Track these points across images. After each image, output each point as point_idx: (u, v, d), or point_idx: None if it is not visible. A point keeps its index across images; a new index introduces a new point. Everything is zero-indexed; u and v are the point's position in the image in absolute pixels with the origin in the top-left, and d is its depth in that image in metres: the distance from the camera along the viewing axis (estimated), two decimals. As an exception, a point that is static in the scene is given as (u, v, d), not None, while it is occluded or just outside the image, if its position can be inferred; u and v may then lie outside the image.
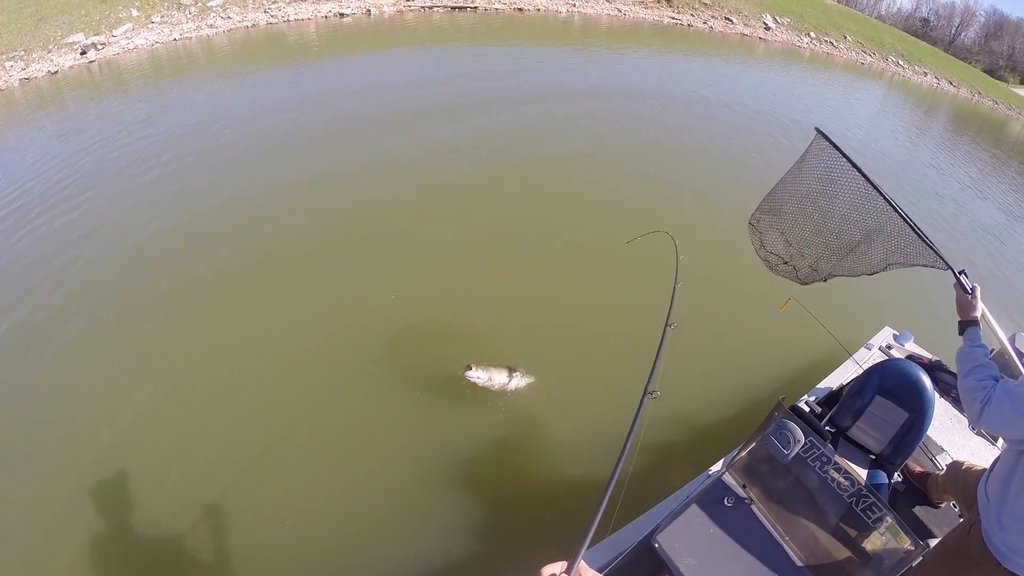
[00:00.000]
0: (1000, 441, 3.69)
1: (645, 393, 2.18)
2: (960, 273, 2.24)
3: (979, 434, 3.79)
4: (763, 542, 2.41)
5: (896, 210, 2.32)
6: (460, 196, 7.01)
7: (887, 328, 4.86)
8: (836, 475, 2.32)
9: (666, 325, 2.73)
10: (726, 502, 2.53)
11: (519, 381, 4.36)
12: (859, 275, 2.69)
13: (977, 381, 2.06)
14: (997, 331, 2.31)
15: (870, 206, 2.43)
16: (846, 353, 4.25)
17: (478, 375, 4.11)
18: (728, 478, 2.64)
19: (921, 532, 3.16)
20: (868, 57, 31.49)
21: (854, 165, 2.43)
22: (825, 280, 2.80)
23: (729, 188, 8.62)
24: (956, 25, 58.99)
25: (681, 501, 2.76)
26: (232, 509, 3.60)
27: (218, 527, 3.51)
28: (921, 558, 2.32)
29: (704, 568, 2.30)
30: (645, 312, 4.30)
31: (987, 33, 58.67)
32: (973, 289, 2.23)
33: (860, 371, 3.66)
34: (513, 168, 7.88)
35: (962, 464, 2.93)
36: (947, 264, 2.28)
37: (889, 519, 2.18)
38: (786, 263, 2.91)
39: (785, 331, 5.39)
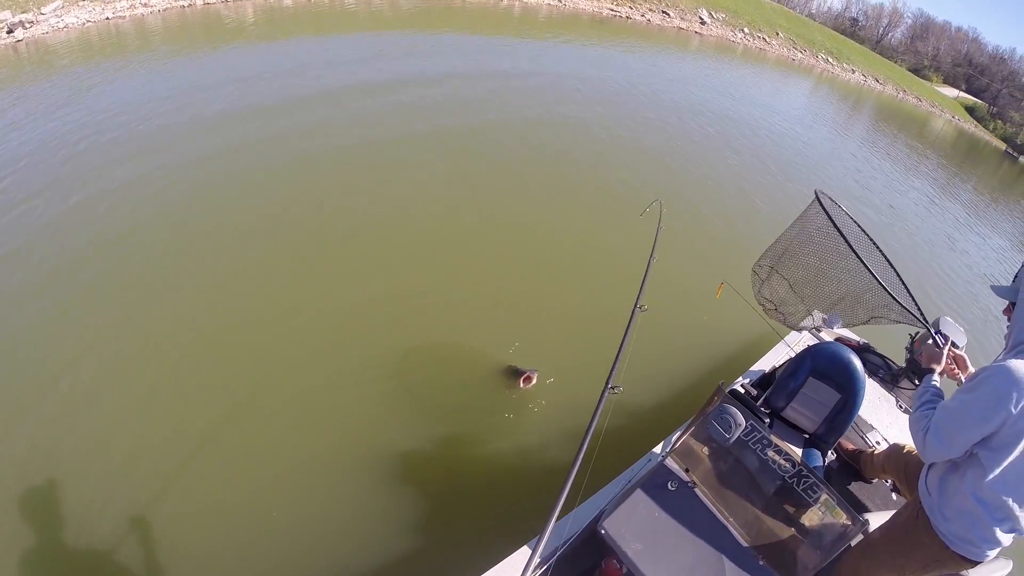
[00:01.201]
0: None
1: (606, 388, 2.21)
2: (937, 332, 2.40)
3: (906, 411, 3.94)
4: (708, 524, 2.46)
5: (880, 284, 2.46)
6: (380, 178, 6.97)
7: (816, 311, 5.10)
8: (775, 456, 2.39)
9: (635, 308, 2.75)
10: (669, 486, 2.56)
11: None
12: (846, 326, 2.97)
13: (922, 412, 2.13)
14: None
15: (862, 271, 2.53)
16: (778, 336, 4.29)
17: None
18: (670, 462, 2.67)
19: (857, 507, 3.24)
20: (799, 54, 33.10)
21: (843, 237, 2.54)
22: (816, 329, 3.19)
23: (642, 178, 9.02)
24: (884, 25, 62.00)
25: (624, 486, 2.80)
26: (174, 502, 3.38)
27: (152, 522, 3.28)
28: (864, 535, 2.42)
29: (650, 552, 2.33)
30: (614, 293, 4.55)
31: (913, 34, 61.90)
32: (944, 343, 2.36)
33: (792, 353, 3.75)
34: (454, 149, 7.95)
35: (903, 447, 3.02)
36: (926, 324, 2.44)
37: (827, 496, 2.25)
38: (776, 309, 3.15)
39: (721, 316, 5.60)
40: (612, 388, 2.22)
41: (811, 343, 4.02)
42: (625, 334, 2.56)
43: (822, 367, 3.22)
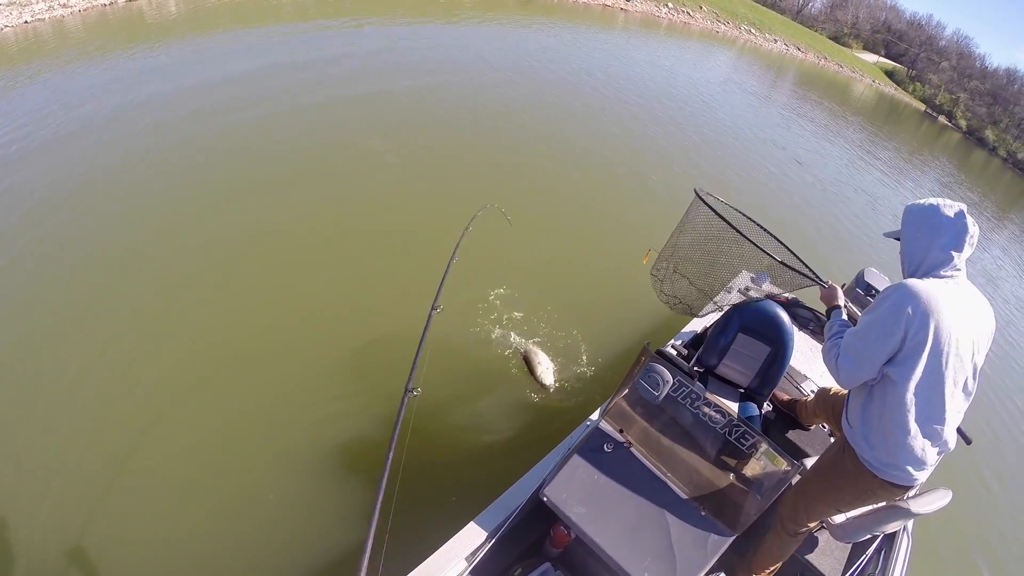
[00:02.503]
0: None
1: (406, 392, 2.22)
2: (824, 282, 2.62)
3: None
4: (647, 481, 2.52)
5: (767, 253, 2.68)
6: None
7: (744, 271, 4.95)
8: (707, 410, 2.46)
9: (431, 310, 2.76)
10: (606, 448, 2.62)
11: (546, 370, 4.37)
12: (749, 300, 3.24)
13: (832, 342, 2.21)
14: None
15: (753, 251, 2.75)
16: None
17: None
18: (605, 425, 2.72)
19: (796, 453, 3.38)
20: (722, 26, 34.08)
21: (725, 220, 2.77)
22: (746, 289, 3.30)
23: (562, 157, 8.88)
24: (805, -4, 64.22)
25: (563, 453, 2.82)
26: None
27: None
28: (800, 476, 2.52)
29: (594, 513, 2.38)
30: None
31: (833, 3, 64.08)
32: (831, 287, 2.56)
33: (718, 313, 3.80)
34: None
35: (830, 390, 3.19)
36: (816, 279, 2.67)
37: (763, 444, 2.33)
38: (680, 302, 3.30)
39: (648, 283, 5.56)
40: (411, 391, 2.22)
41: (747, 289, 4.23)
42: (424, 333, 2.57)
43: (750, 322, 3.32)
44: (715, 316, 4.01)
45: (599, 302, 5.51)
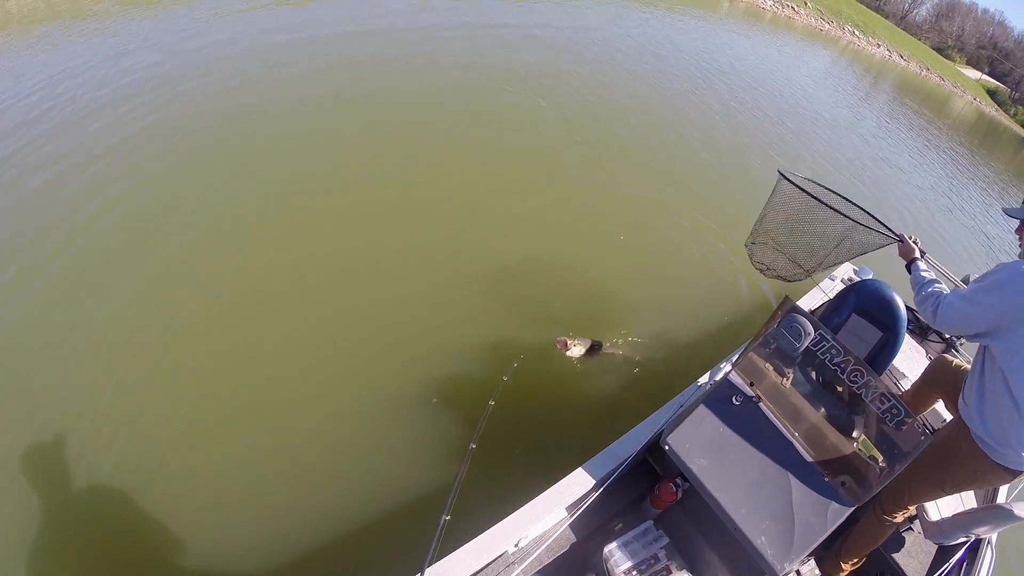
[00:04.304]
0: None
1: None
2: (898, 236, 2.61)
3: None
4: (773, 439, 2.38)
5: (851, 219, 2.68)
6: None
7: (847, 264, 4.82)
8: (851, 368, 2.30)
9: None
10: (734, 400, 2.48)
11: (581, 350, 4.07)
12: (834, 264, 3.07)
13: (927, 292, 2.23)
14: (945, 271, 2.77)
15: (835, 220, 2.78)
16: (813, 283, 4.22)
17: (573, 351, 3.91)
18: (735, 376, 2.57)
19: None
20: (826, 24, 32.77)
21: (811, 195, 2.77)
22: (810, 274, 3.20)
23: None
24: (909, 2, 60.90)
25: (685, 402, 2.75)
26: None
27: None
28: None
29: (715, 467, 2.29)
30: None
31: (939, 13, 60.79)
32: (907, 241, 2.55)
33: (827, 299, 3.68)
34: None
35: (951, 362, 2.94)
36: (892, 234, 2.63)
37: (895, 406, 2.15)
38: (770, 268, 3.24)
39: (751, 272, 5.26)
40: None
41: (852, 282, 4.02)
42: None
43: (866, 304, 3.21)
44: (820, 301, 4.00)
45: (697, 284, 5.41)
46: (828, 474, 2.30)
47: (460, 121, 7.05)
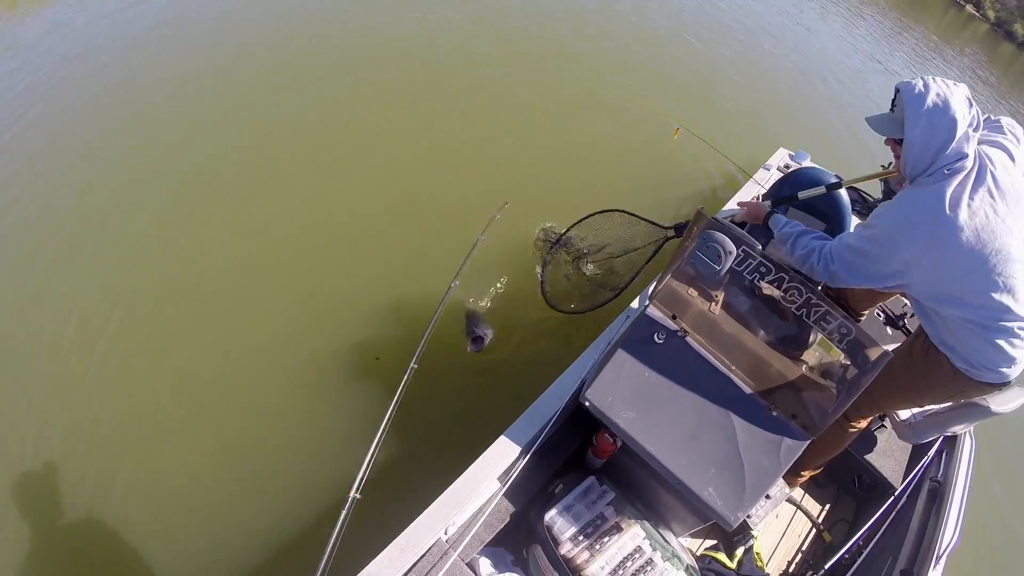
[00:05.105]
0: None
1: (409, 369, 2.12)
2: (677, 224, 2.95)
3: None
4: (707, 375, 2.12)
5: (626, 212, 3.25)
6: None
7: (781, 149, 4.64)
8: (783, 285, 1.99)
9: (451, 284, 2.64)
10: (656, 338, 2.17)
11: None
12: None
13: (804, 249, 2.03)
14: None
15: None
16: (746, 175, 4.00)
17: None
18: (653, 311, 2.25)
19: None
20: None
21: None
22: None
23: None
24: None
25: (602, 349, 2.46)
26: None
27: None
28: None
29: (644, 418, 2.05)
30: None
31: None
32: (746, 204, 2.49)
33: (763, 190, 3.39)
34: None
35: None
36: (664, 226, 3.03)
37: (850, 327, 1.89)
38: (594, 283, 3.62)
39: (677, 163, 5.29)
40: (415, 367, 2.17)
41: (788, 169, 3.76)
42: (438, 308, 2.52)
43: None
44: (756, 193, 3.69)
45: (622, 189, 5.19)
46: (776, 407, 2.06)
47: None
